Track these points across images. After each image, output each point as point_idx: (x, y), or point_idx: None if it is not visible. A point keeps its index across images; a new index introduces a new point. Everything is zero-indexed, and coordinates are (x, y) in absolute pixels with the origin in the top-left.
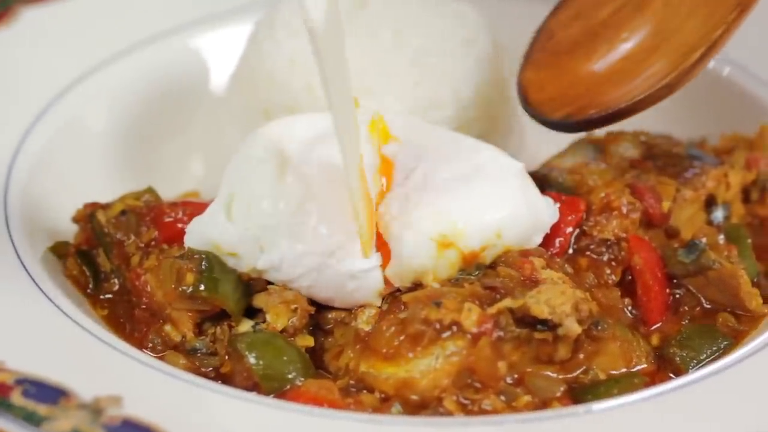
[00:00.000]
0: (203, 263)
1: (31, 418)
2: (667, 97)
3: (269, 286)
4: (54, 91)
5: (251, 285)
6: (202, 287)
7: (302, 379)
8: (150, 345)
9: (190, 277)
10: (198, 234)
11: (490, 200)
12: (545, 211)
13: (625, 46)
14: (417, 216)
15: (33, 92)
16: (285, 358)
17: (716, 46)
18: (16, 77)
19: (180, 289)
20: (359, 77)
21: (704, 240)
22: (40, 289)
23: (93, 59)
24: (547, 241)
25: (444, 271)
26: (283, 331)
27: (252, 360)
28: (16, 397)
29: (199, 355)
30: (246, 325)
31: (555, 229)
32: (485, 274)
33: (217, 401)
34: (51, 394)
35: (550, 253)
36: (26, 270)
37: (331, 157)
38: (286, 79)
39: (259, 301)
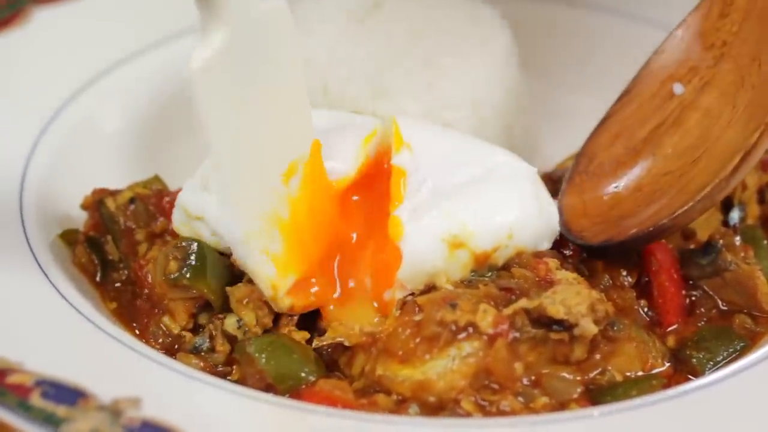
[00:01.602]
0: (190, 251)
1: (50, 420)
2: (709, 208)
3: (227, 288)
4: (67, 92)
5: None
6: (183, 274)
7: (315, 375)
8: (151, 338)
9: (173, 265)
10: (177, 204)
11: (501, 202)
12: (557, 215)
13: (668, 162)
14: (427, 218)
15: (46, 93)
16: (295, 355)
17: (755, 149)
18: (30, 78)
19: (164, 276)
20: (374, 78)
21: (721, 241)
22: (57, 289)
23: (106, 60)
24: (563, 242)
25: (456, 272)
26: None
27: (263, 361)
28: (36, 399)
29: (202, 353)
30: (232, 319)
31: None
32: (499, 275)
33: (235, 402)
34: (69, 395)
35: (564, 254)
36: (41, 268)
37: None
38: None
39: (230, 302)
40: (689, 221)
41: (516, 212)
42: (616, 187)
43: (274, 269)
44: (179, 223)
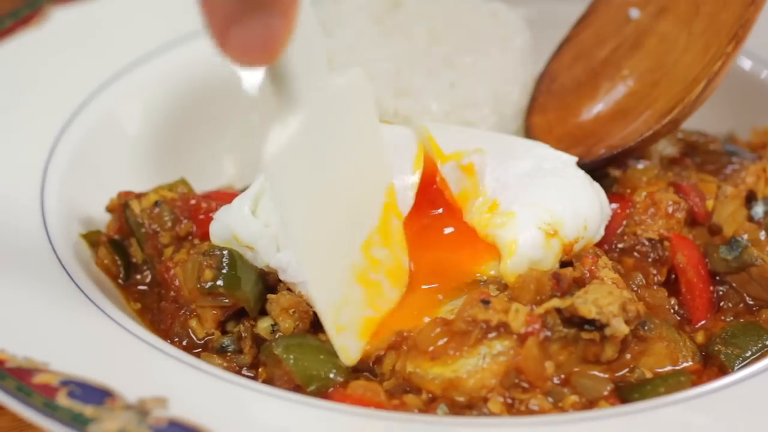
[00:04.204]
0: (224, 260)
1: (77, 420)
2: (673, 131)
3: (269, 295)
4: (86, 92)
5: (269, 282)
6: (219, 283)
7: (342, 376)
8: (176, 339)
9: (208, 273)
10: (222, 222)
11: (571, 192)
12: (606, 201)
13: (627, 83)
14: (518, 209)
15: (65, 93)
16: (322, 356)
17: (717, 77)
18: (49, 77)
19: (199, 285)
20: (395, 77)
21: (746, 236)
22: (81, 290)
23: (124, 59)
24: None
25: (550, 261)
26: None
27: (291, 362)
28: (62, 399)
29: (228, 355)
30: (265, 323)
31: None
32: None
33: (261, 401)
34: (96, 395)
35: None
36: (65, 269)
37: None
38: None
39: (268, 308)
40: (654, 143)
41: (586, 202)
42: (578, 106)
43: (352, 340)
44: (219, 240)
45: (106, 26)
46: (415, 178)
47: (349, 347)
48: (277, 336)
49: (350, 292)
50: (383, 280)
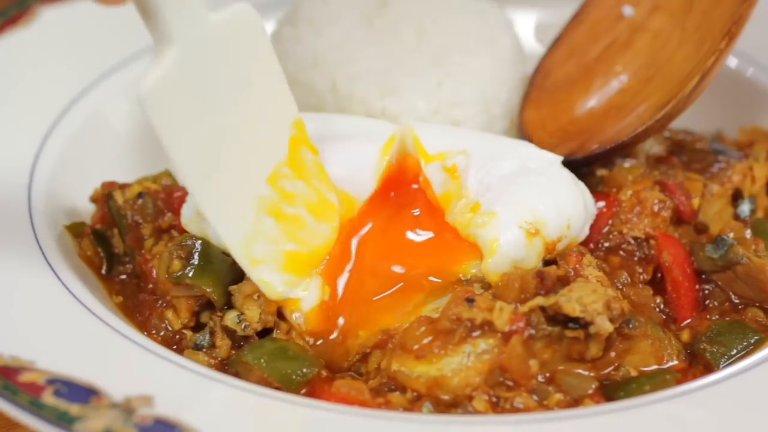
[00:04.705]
0: (194, 250)
1: (63, 418)
2: (667, 126)
3: (231, 287)
4: (75, 89)
5: (242, 273)
6: (186, 273)
7: (316, 368)
8: (153, 331)
9: (176, 264)
10: (190, 202)
11: (554, 192)
12: (591, 200)
13: (620, 80)
14: (500, 209)
15: (54, 90)
16: (290, 352)
17: (710, 72)
18: (38, 75)
19: (167, 275)
20: (383, 76)
21: (731, 234)
22: (67, 288)
23: (112, 57)
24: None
25: (533, 260)
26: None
27: (264, 365)
28: (48, 397)
29: (204, 350)
30: (232, 314)
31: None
32: None
33: (248, 400)
34: (82, 393)
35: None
36: (50, 265)
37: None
38: (310, 79)
39: (233, 300)
40: (647, 138)
41: (570, 201)
42: (572, 102)
43: (272, 272)
44: (188, 220)
45: (94, 26)
46: (375, 164)
47: (270, 280)
48: (244, 327)
49: (261, 224)
50: (304, 214)
